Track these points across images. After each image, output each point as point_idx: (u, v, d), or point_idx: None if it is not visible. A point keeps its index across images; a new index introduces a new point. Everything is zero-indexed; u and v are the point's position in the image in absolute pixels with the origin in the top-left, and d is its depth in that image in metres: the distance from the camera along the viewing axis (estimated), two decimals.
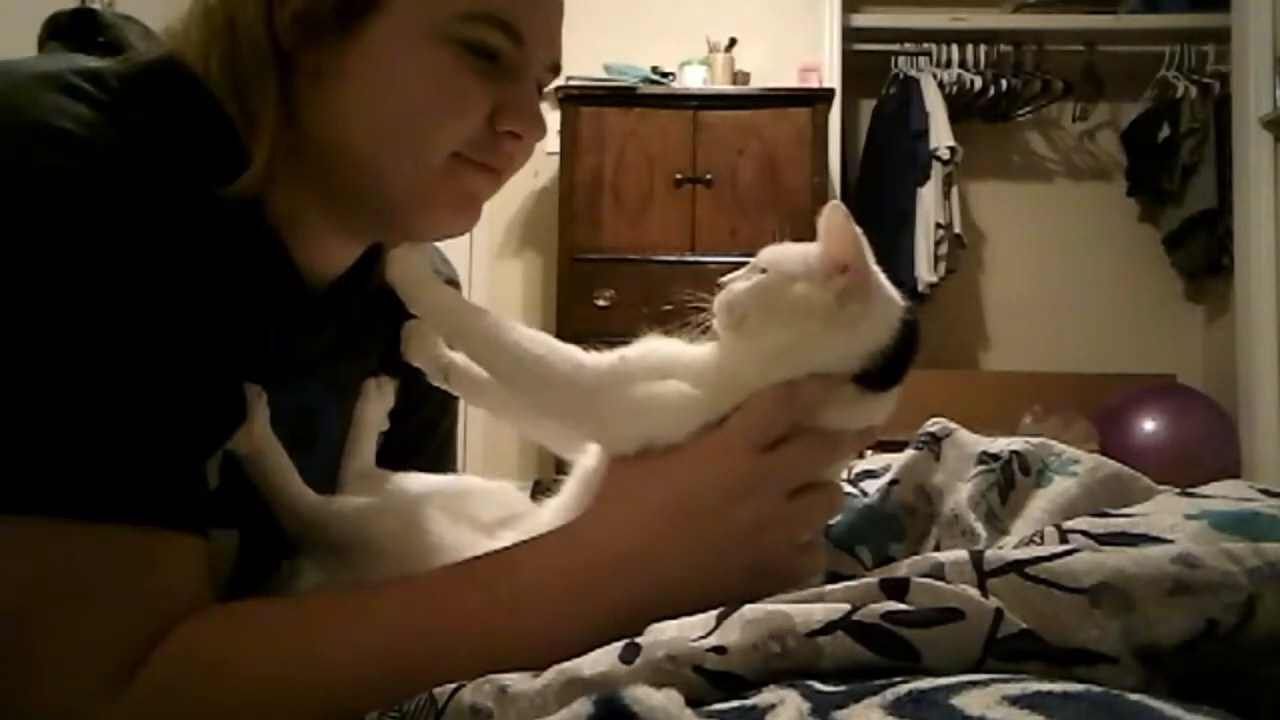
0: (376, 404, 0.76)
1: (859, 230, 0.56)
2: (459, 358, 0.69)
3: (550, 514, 0.63)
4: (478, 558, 0.59)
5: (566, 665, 0.48)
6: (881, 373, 0.56)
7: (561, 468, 0.67)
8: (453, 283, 0.91)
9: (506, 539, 0.62)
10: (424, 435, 0.84)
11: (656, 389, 0.58)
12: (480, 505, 0.73)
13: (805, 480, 0.57)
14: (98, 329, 0.50)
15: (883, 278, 0.58)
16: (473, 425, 2.84)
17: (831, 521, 0.74)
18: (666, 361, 0.60)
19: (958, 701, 0.37)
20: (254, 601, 0.57)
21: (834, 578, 0.62)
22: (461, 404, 0.84)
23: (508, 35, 0.63)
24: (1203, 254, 3.59)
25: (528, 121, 0.66)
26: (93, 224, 0.51)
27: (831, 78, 3.43)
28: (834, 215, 0.56)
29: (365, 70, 0.62)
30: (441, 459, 0.88)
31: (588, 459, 0.63)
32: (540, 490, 0.75)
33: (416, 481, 0.75)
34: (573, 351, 0.61)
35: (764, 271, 0.58)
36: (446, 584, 0.56)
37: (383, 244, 0.73)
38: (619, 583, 0.54)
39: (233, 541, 0.63)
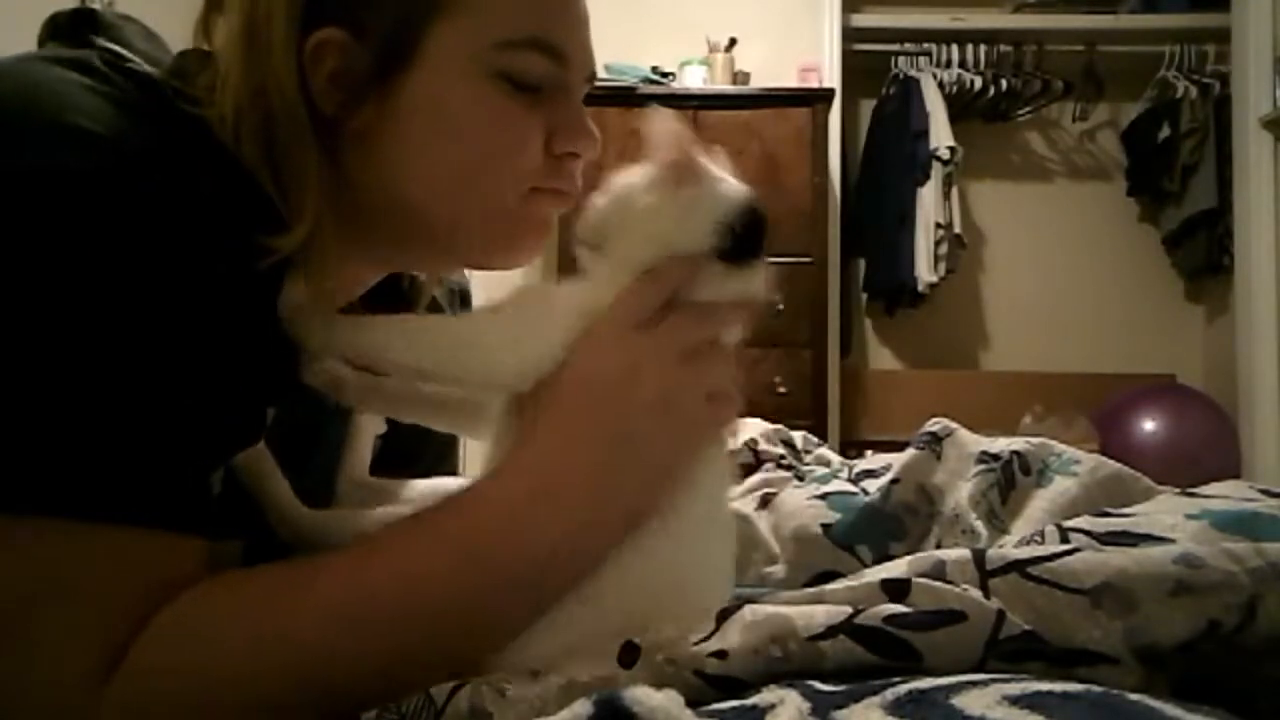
0: None
1: (682, 127, 0.61)
2: (347, 371, 0.69)
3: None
4: (424, 510, 0.58)
5: (565, 668, 0.48)
6: (736, 245, 0.59)
7: None
8: (463, 291, 0.91)
9: None
10: (424, 439, 0.84)
11: (536, 321, 0.60)
12: None
13: (692, 345, 0.59)
14: (107, 332, 0.50)
15: (715, 169, 0.63)
16: None
17: (831, 521, 0.74)
18: (543, 299, 0.62)
19: (958, 701, 0.37)
20: (224, 575, 0.56)
21: (834, 576, 0.62)
22: None
23: (549, 57, 0.63)
24: (1203, 254, 3.59)
25: (583, 140, 0.67)
26: (112, 228, 0.51)
27: (831, 78, 3.43)
28: (657, 119, 0.61)
29: (413, 123, 0.61)
30: (443, 462, 0.88)
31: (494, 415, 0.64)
32: None
33: (411, 489, 0.74)
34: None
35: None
36: (398, 537, 0.56)
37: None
38: (562, 498, 0.55)
39: (236, 551, 0.63)
